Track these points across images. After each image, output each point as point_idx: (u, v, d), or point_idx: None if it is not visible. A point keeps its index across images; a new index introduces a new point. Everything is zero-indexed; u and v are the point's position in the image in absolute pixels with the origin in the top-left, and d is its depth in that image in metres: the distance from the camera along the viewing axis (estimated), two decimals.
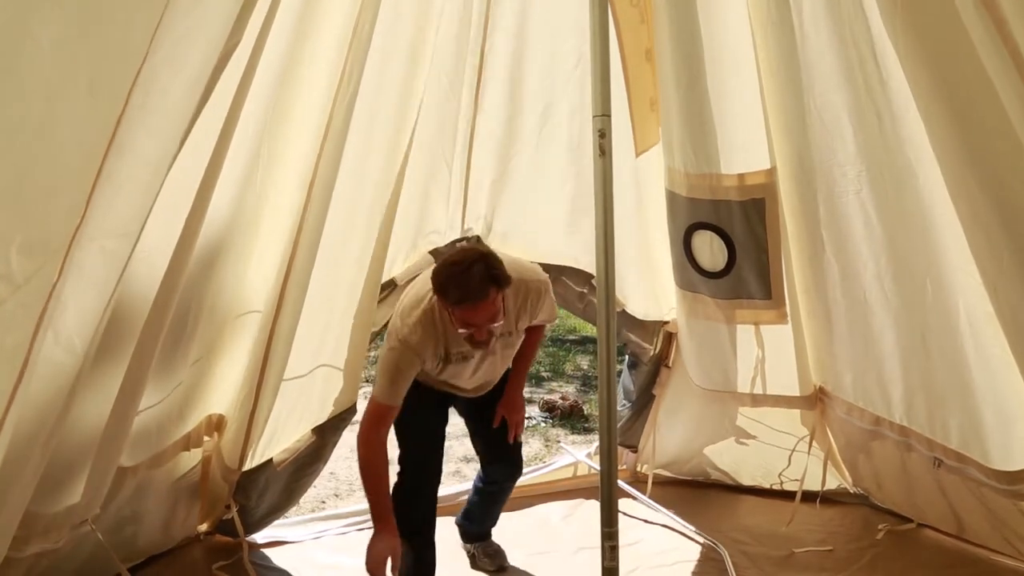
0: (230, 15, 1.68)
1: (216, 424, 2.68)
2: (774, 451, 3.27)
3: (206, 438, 2.67)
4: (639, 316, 3.32)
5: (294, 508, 3.58)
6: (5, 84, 1.32)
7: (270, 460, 2.75)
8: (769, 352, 2.99)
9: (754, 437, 3.27)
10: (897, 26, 1.81)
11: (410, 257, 3.04)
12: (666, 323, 3.38)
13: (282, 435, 2.77)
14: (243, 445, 2.66)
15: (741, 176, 2.64)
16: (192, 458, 2.68)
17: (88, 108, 1.42)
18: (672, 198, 2.82)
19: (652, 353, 3.36)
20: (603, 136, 1.22)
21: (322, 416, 2.81)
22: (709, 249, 2.83)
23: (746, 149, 2.63)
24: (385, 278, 2.92)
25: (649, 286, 3.31)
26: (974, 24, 1.55)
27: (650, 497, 3.33)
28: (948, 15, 1.61)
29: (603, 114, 1.23)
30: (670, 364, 3.40)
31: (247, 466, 2.71)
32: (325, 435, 2.84)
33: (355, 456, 4.36)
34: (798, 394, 3.02)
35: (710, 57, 2.52)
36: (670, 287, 3.22)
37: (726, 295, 2.89)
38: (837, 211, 2.55)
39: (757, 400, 3.09)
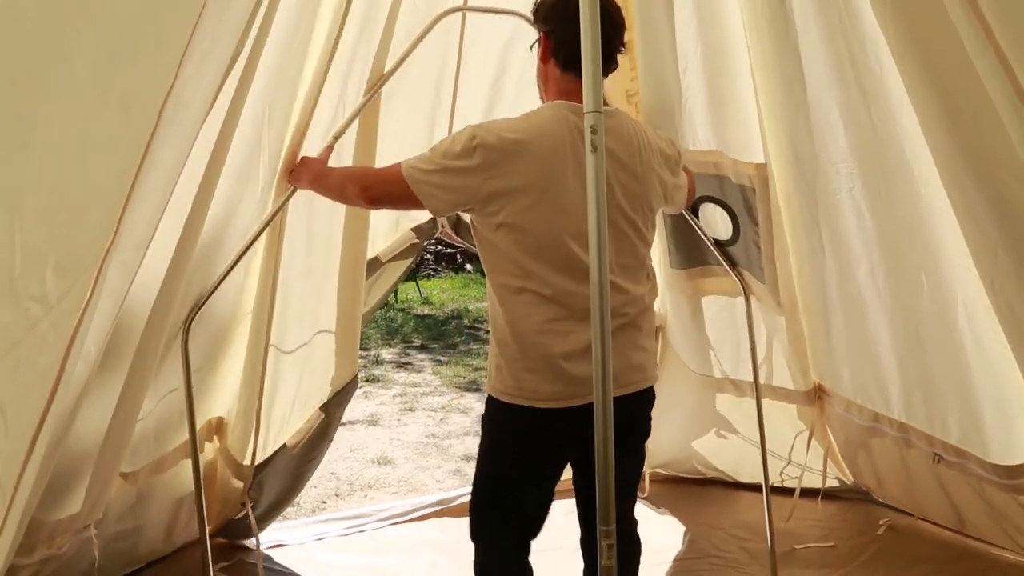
0: (240, 25, 1.71)
1: (216, 427, 2.68)
2: (774, 450, 3.27)
3: (207, 443, 2.68)
4: None
5: (295, 509, 3.60)
6: (42, 107, 1.34)
7: (283, 446, 2.75)
8: (771, 343, 2.99)
9: (737, 432, 3.27)
10: (887, 18, 1.81)
11: (392, 235, 3.03)
12: None
13: (291, 420, 2.77)
14: (254, 438, 2.66)
15: (735, 162, 2.64)
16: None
17: (121, 127, 1.44)
18: None
19: None
20: (595, 132, 1.22)
21: (328, 393, 2.81)
22: (716, 219, 2.81)
23: (740, 140, 2.63)
24: (369, 256, 2.91)
25: None
26: (960, 21, 1.55)
27: (649, 495, 3.33)
28: (936, 10, 1.61)
29: (595, 110, 1.23)
30: (658, 361, 3.38)
31: (260, 458, 2.70)
32: (331, 410, 2.81)
33: (355, 456, 4.43)
34: (795, 388, 3.02)
35: (706, 50, 2.52)
36: None
37: (737, 262, 2.87)
38: (831, 208, 2.55)
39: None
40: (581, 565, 2.81)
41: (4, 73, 1.30)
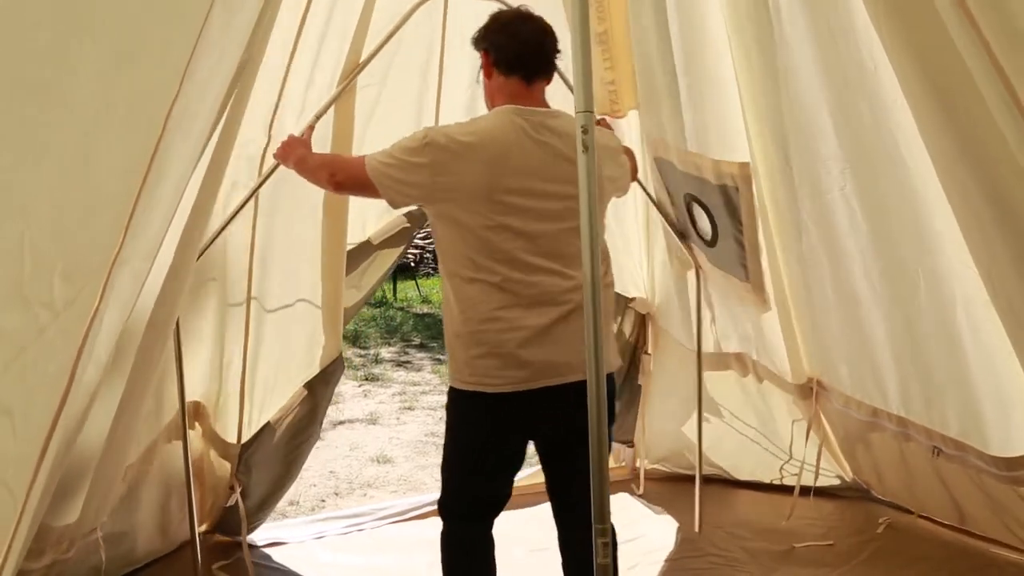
0: (245, 34, 1.71)
1: (195, 413, 2.68)
2: (774, 448, 3.27)
3: (188, 431, 2.67)
4: None
5: (294, 508, 3.60)
6: (50, 115, 1.37)
7: (267, 424, 2.76)
8: (764, 337, 2.99)
9: (748, 426, 3.26)
10: (880, 14, 1.80)
11: (384, 218, 3.05)
12: (632, 299, 3.34)
13: (274, 396, 2.79)
14: (239, 414, 2.68)
15: (716, 162, 2.64)
16: (174, 450, 2.66)
17: (127, 134, 1.46)
18: (671, 168, 2.81)
19: (622, 334, 3.33)
20: (585, 132, 1.22)
21: (311, 371, 2.83)
22: (701, 219, 2.83)
23: (721, 139, 2.62)
24: (360, 238, 2.95)
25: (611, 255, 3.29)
26: (951, 20, 1.55)
27: (647, 493, 3.33)
28: (927, 8, 1.61)
29: (585, 110, 1.23)
30: (650, 351, 3.36)
31: (246, 436, 2.72)
32: (316, 391, 2.83)
33: (354, 455, 4.43)
34: (791, 381, 3.01)
35: (686, 47, 2.52)
36: (635, 261, 3.22)
37: (717, 264, 2.88)
38: (823, 208, 2.55)
39: (758, 368, 3.07)
40: None
41: (14, 82, 1.32)
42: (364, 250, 2.99)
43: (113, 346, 1.72)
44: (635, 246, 3.30)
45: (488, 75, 1.97)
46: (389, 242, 3.01)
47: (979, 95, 1.58)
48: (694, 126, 2.63)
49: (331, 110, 2.50)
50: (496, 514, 2.07)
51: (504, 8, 1.98)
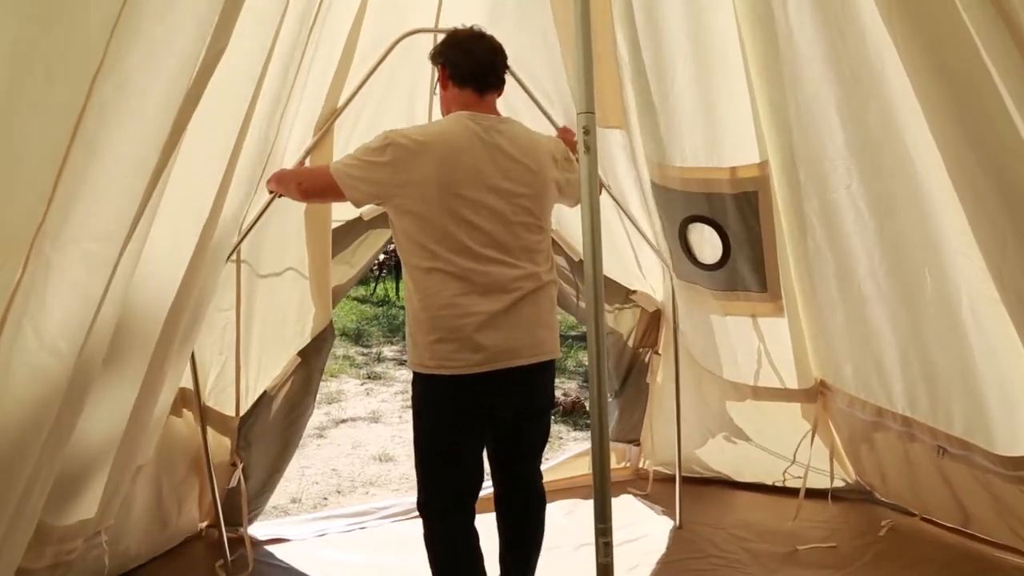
0: (207, 20, 1.65)
1: (181, 399, 2.67)
2: (777, 450, 3.26)
3: (176, 418, 2.67)
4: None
5: (296, 506, 3.61)
6: None
7: (264, 394, 2.79)
8: (768, 346, 2.98)
9: (749, 440, 3.25)
10: (892, 12, 1.80)
11: None
12: (634, 292, 3.33)
13: (270, 361, 2.81)
14: (236, 385, 2.70)
15: (733, 169, 2.63)
16: (164, 440, 2.65)
17: (47, 99, 1.42)
18: (664, 192, 2.81)
19: (619, 329, 3.31)
20: (587, 133, 1.22)
21: (303, 340, 2.85)
22: (704, 242, 2.83)
23: (736, 143, 2.62)
24: (351, 216, 2.98)
25: (613, 250, 3.26)
26: (972, 7, 1.54)
27: (651, 494, 3.33)
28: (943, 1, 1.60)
29: (587, 111, 1.23)
30: (660, 351, 3.35)
31: (244, 407, 2.75)
32: (309, 359, 2.87)
33: (356, 453, 4.44)
34: (798, 387, 3.01)
35: (696, 53, 2.51)
36: (640, 253, 3.23)
37: (723, 287, 2.89)
38: (830, 206, 2.55)
39: (758, 393, 3.07)
40: (580, 563, 2.83)
41: None
42: (355, 227, 3.03)
43: (83, 339, 1.63)
44: (641, 240, 3.26)
45: (444, 87, 2.15)
46: (380, 221, 3.03)
47: (992, 84, 1.57)
48: (706, 139, 2.64)
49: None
50: (473, 502, 2.16)
51: (461, 27, 2.15)
